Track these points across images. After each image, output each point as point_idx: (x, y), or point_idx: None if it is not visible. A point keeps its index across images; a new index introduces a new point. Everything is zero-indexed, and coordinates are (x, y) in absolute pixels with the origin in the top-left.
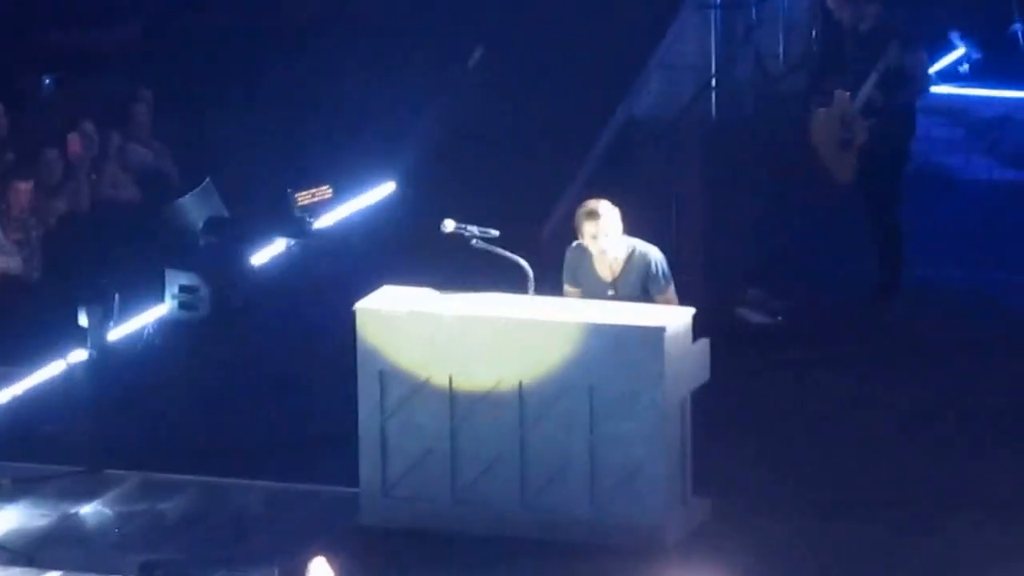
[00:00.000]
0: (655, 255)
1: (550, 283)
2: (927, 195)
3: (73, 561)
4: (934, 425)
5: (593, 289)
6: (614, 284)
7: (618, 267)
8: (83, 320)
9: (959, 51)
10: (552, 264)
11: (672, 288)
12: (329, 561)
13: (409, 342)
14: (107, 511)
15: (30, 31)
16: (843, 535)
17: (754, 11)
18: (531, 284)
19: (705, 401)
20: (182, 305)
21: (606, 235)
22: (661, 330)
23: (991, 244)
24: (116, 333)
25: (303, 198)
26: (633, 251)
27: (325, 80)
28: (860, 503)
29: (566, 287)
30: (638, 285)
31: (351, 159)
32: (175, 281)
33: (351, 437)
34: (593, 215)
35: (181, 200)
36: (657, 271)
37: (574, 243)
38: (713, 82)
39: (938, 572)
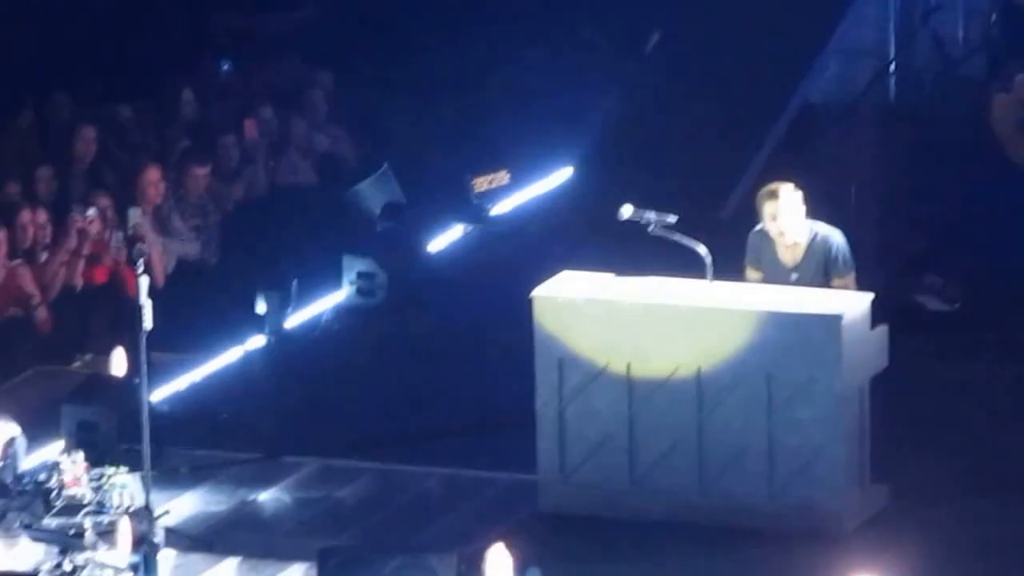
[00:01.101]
0: (837, 239)
1: (728, 268)
2: None
3: (251, 547)
4: None
5: (775, 273)
6: (796, 269)
7: (800, 252)
8: (261, 306)
9: None
10: (730, 249)
11: (853, 274)
12: (508, 547)
13: (587, 329)
14: (285, 498)
15: (207, 16)
16: (1021, 523)
17: None
18: (709, 270)
19: (883, 387)
20: (359, 291)
21: (785, 216)
22: (839, 317)
23: None
24: (294, 319)
25: (480, 184)
26: (815, 235)
27: (503, 65)
28: None
29: (748, 270)
30: (819, 269)
31: (529, 144)
32: (353, 267)
33: (529, 424)
34: (773, 195)
35: (359, 186)
36: (837, 255)
37: (757, 227)
38: (891, 66)
39: None
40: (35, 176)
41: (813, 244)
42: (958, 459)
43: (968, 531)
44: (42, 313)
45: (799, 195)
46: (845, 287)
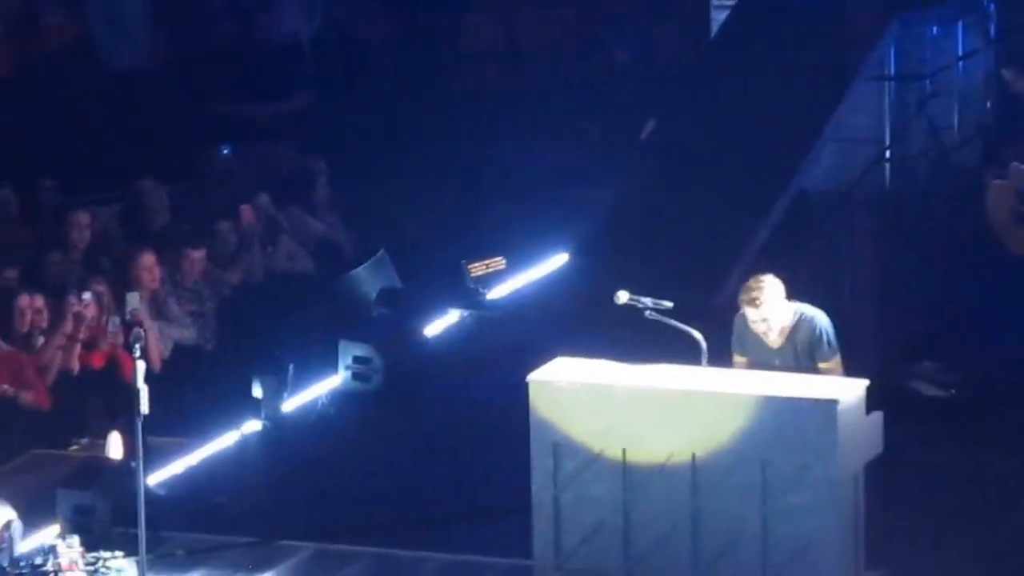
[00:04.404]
0: (821, 321)
1: (723, 354)
2: None
3: None
4: None
5: (760, 357)
6: (780, 352)
7: (784, 335)
8: (257, 391)
9: None
10: (724, 336)
11: (838, 357)
12: None
13: (583, 414)
14: None
15: (205, 104)
16: None
17: (928, 83)
18: (704, 355)
19: (878, 474)
20: (356, 376)
21: (769, 316)
22: (834, 403)
23: None
24: (290, 404)
25: (476, 269)
26: (800, 318)
27: (495, 152)
28: None
29: (734, 356)
30: (804, 352)
31: (524, 230)
32: (349, 352)
33: (524, 509)
34: (753, 303)
35: (355, 271)
36: (822, 337)
37: (740, 311)
38: (886, 154)
39: None
40: (42, 261)
41: (797, 326)
42: (954, 547)
43: None
44: (38, 393)
45: (778, 285)
46: (831, 371)
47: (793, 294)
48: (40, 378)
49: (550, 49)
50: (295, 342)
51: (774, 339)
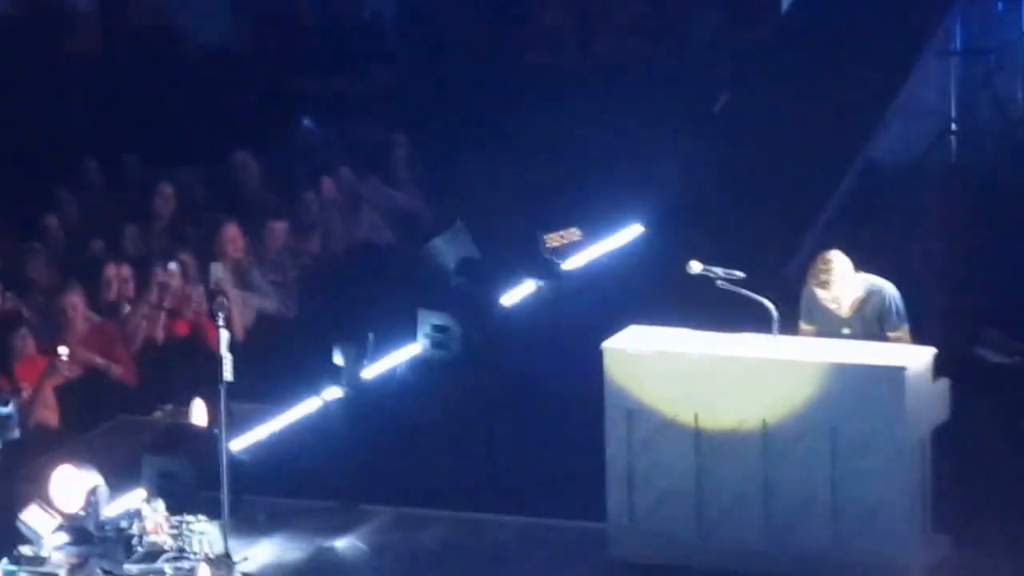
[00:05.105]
0: (890, 291)
1: (793, 323)
2: None
3: None
4: None
5: (829, 326)
6: (849, 321)
7: (854, 306)
8: (338, 359)
9: None
10: (793, 307)
11: (906, 327)
12: None
13: (656, 381)
14: (361, 545)
15: (288, 78)
16: None
17: (994, 57)
18: (775, 324)
19: (945, 439)
20: (434, 344)
21: (837, 288)
22: (902, 370)
23: None
24: (370, 371)
25: (552, 240)
26: (870, 289)
27: (575, 123)
28: None
29: (801, 324)
30: (873, 323)
31: (599, 201)
32: (428, 321)
33: (599, 473)
34: (824, 280)
35: (434, 242)
36: (891, 307)
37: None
38: (953, 127)
39: None
40: (122, 233)
41: (867, 297)
42: (1019, 511)
43: None
44: (125, 366)
45: (846, 261)
46: (900, 340)
47: (860, 265)
48: (127, 350)
49: (627, 24)
50: (375, 311)
51: (844, 310)
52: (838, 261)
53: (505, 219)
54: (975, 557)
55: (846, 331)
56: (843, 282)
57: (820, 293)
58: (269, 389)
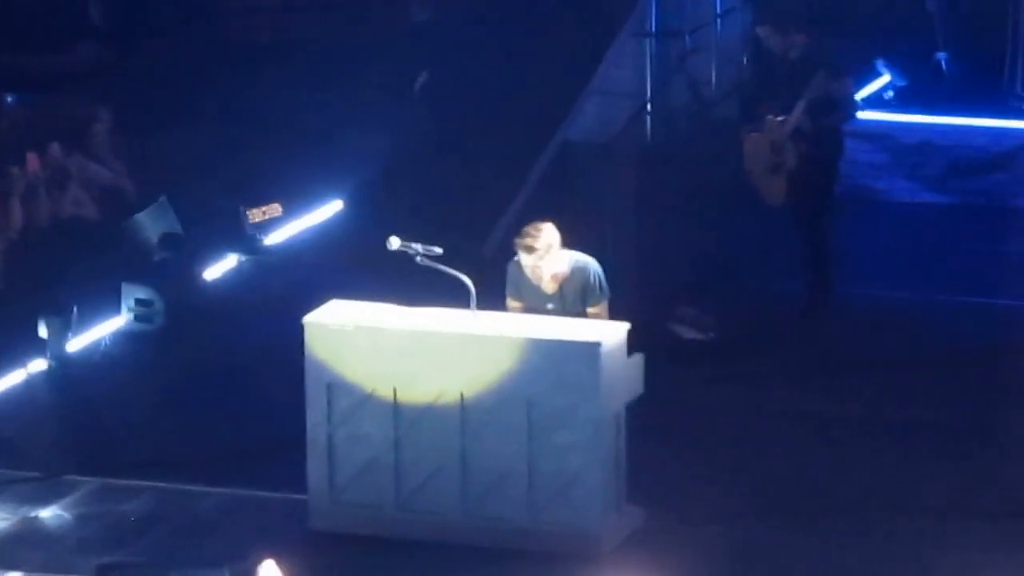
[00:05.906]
0: (594, 267)
1: (491, 299)
2: (853, 217)
3: (32, 563)
4: (862, 437)
5: (535, 302)
6: (555, 297)
7: (558, 280)
8: (43, 331)
9: (884, 79)
10: (493, 281)
11: (606, 302)
12: (279, 563)
13: (356, 355)
14: (66, 515)
15: None
16: (775, 542)
17: (688, 39)
18: (473, 299)
19: (640, 413)
20: (138, 317)
21: (545, 265)
22: (597, 345)
23: (913, 264)
24: (74, 344)
25: (255, 215)
26: (575, 265)
27: (276, 101)
28: (791, 512)
29: (508, 300)
30: (577, 298)
31: (300, 178)
32: (131, 294)
33: (300, 446)
34: (530, 249)
35: (137, 217)
36: (595, 283)
37: (515, 257)
38: (648, 107)
39: None
40: None
41: (572, 274)
42: (712, 482)
43: (723, 552)
44: None
45: (553, 231)
46: (598, 315)
47: (565, 243)
48: None
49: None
50: (79, 284)
51: (548, 285)
52: (548, 230)
53: (208, 195)
54: (668, 527)
55: (551, 306)
56: (549, 253)
57: (526, 259)
58: None
